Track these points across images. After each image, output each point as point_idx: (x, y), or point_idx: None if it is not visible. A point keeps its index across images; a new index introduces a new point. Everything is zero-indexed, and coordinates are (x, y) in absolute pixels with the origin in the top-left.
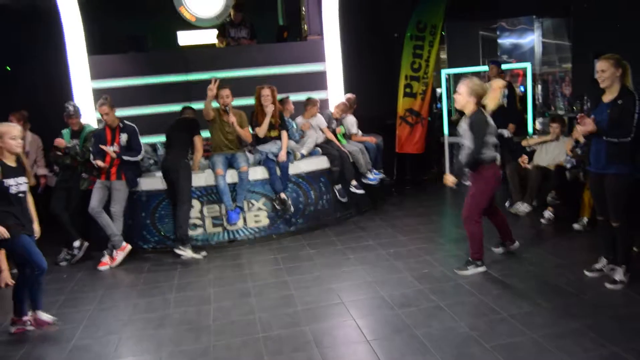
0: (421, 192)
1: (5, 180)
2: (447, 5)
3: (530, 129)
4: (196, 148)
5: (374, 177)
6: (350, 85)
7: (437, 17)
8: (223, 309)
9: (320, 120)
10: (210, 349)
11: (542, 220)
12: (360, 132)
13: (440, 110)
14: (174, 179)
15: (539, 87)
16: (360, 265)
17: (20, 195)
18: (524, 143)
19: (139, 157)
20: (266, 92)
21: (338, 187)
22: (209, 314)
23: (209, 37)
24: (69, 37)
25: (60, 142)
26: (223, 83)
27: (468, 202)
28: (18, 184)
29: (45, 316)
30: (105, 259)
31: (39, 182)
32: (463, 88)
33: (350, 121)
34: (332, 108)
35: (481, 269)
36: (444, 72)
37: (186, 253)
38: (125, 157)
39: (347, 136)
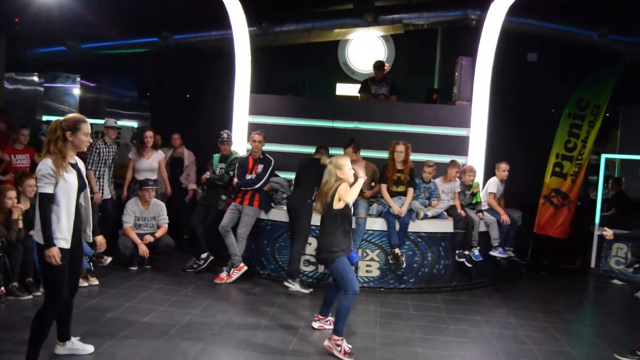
0: (556, 281)
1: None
2: (616, 86)
3: None
4: None
5: (498, 254)
6: (493, 154)
7: (602, 97)
8: (300, 341)
9: (456, 185)
10: None
11: None
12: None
13: (595, 197)
14: (295, 217)
15: None
16: (456, 338)
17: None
18: None
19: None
20: (400, 148)
21: (458, 252)
22: (288, 341)
23: None
24: (238, 76)
25: (204, 178)
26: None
27: None
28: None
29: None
30: (223, 274)
31: (187, 193)
32: None
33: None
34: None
35: None
36: (604, 157)
37: (294, 287)
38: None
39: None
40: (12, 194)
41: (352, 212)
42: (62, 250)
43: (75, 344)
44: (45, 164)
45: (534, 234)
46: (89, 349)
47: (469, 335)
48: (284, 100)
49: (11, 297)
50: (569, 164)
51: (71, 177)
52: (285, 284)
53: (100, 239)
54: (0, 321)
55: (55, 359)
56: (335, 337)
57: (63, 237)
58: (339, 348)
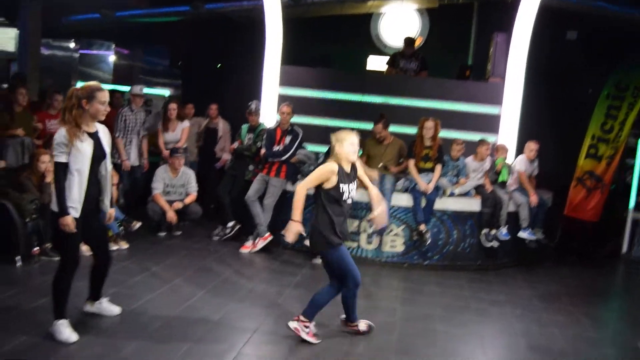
0: (586, 265)
1: (341, 186)
2: None
3: None
4: None
5: (527, 235)
6: (525, 134)
7: None
8: (319, 313)
9: (486, 164)
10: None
11: None
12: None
13: (631, 181)
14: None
15: None
16: (477, 317)
17: (349, 202)
18: None
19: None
20: (429, 124)
21: (485, 231)
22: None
23: None
24: (269, 46)
25: (231, 148)
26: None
27: None
28: (350, 191)
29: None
30: (249, 243)
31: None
32: None
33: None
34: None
35: None
36: None
37: None
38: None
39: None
40: (46, 157)
41: (344, 199)
42: None
43: (104, 304)
44: (60, 133)
45: (564, 216)
46: (116, 310)
47: (490, 315)
48: (314, 73)
49: (44, 257)
50: (605, 146)
51: (85, 147)
52: (305, 242)
53: (111, 211)
54: (32, 280)
55: (84, 316)
56: (303, 319)
57: (73, 206)
58: (307, 329)
